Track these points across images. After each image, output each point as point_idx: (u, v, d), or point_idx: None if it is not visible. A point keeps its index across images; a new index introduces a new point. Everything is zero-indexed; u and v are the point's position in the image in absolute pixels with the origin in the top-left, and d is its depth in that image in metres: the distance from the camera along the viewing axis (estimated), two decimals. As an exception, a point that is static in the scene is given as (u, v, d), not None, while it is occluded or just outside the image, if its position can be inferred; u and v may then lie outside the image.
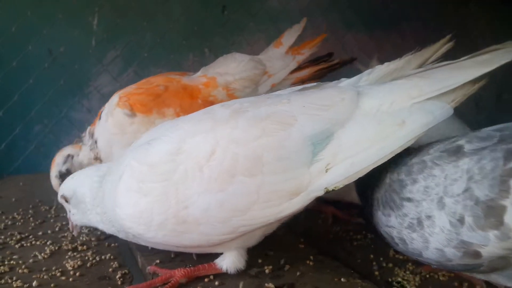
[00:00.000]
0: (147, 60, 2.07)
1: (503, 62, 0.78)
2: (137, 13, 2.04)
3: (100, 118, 1.35)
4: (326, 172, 0.80)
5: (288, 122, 0.82)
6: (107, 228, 0.97)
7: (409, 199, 0.81)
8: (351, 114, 0.82)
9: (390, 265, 1.03)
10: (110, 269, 1.00)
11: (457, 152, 0.77)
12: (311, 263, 0.99)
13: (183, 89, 1.32)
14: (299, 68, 1.47)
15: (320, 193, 0.81)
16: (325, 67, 1.49)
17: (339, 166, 0.80)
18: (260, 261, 0.99)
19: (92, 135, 1.37)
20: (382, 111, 0.81)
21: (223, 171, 0.80)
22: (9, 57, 1.90)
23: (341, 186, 0.81)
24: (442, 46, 0.86)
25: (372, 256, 1.08)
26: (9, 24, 1.89)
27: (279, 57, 1.46)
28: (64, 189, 1.03)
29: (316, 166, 0.80)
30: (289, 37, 1.49)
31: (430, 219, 0.77)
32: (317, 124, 0.81)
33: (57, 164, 1.39)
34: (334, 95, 0.85)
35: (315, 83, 0.95)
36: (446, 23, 2.43)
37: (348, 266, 1.02)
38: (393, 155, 0.80)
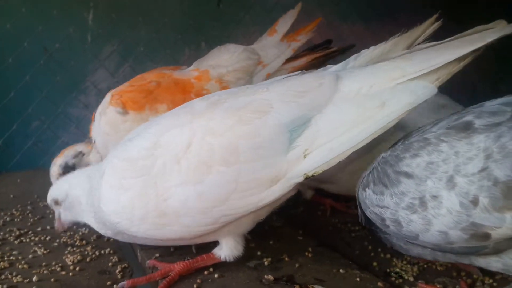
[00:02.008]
0: (143, 55, 2.06)
1: (488, 40, 0.76)
2: (132, 8, 2.03)
3: (94, 120, 1.35)
4: (305, 158, 0.80)
5: (263, 110, 0.82)
6: (100, 228, 0.95)
7: (407, 174, 0.75)
8: (330, 99, 0.81)
9: (388, 256, 1.03)
10: (110, 264, 1.01)
11: (467, 129, 0.73)
12: (310, 255, 1.00)
13: (175, 84, 1.31)
14: (295, 57, 1.44)
15: (300, 179, 0.81)
16: (323, 55, 1.46)
17: (318, 151, 0.79)
18: (259, 253, 0.99)
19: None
20: (361, 93, 0.80)
21: (200, 162, 0.81)
22: (4, 54, 1.89)
23: (321, 171, 0.80)
24: (429, 26, 0.85)
25: (370, 247, 1.09)
26: (4, 21, 1.88)
27: (273, 45, 1.42)
28: (56, 193, 1.02)
29: (293, 152, 0.80)
30: (284, 24, 1.46)
31: (437, 199, 0.71)
32: (293, 110, 0.81)
33: (66, 155, 1.38)
34: (312, 80, 0.85)
35: (298, 72, 0.94)
36: (443, 11, 2.42)
37: (346, 257, 1.02)
38: (373, 137, 0.79)
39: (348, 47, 1.50)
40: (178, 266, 0.89)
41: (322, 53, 1.46)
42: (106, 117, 1.28)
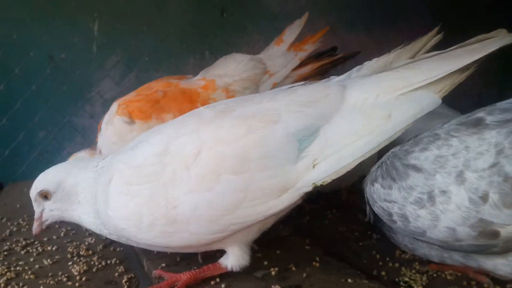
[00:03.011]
0: (147, 64, 2.07)
1: (490, 50, 0.77)
2: (137, 18, 2.05)
3: (100, 129, 1.35)
4: (314, 168, 0.80)
5: (272, 119, 0.83)
6: (96, 227, 0.92)
7: (415, 168, 0.74)
8: (337, 109, 0.82)
9: (397, 265, 1.02)
10: (116, 274, 1.00)
11: (478, 124, 0.72)
12: (317, 264, 0.99)
13: (181, 94, 1.32)
14: (300, 64, 1.44)
15: (309, 188, 0.82)
16: (328, 62, 1.46)
17: (327, 161, 0.80)
18: (266, 263, 0.99)
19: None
20: (368, 104, 0.81)
21: (210, 170, 0.81)
22: (11, 64, 1.90)
23: (330, 180, 0.81)
24: (431, 39, 0.86)
25: (378, 256, 1.07)
26: (10, 32, 1.89)
27: (280, 55, 1.43)
28: (45, 182, 0.94)
29: (302, 162, 0.81)
30: (291, 33, 1.46)
31: (445, 194, 0.70)
32: (301, 120, 0.82)
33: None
34: (318, 91, 0.86)
35: (303, 82, 0.95)
36: (447, 21, 2.43)
37: (354, 266, 1.01)
38: (380, 147, 0.80)
39: (352, 54, 1.49)
40: (184, 276, 0.89)
41: (327, 60, 1.46)
42: (112, 126, 1.29)
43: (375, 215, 0.84)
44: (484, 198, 0.67)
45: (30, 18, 1.91)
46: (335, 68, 1.49)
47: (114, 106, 1.32)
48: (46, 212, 0.95)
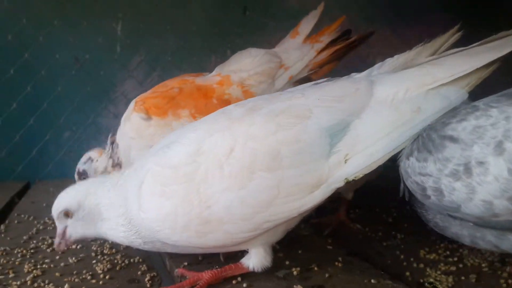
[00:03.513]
0: (170, 63, 2.09)
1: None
2: (159, 18, 2.06)
3: (120, 124, 1.38)
4: (345, 163, 0.81)
5: (303, 115, 0.83)
6: (127, 239, 0.91)
7: (452, 138, 0.72)
8: (367, 104, 0.83)
9: (422, 265, 1.00)
10: (139, 272, 1.01)
11: None
12: (339, 264, 0.98)
13: (197, 90, 1.32)
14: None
15: (341, 184, 0.82)
16: (343, 46, 1.41)
17: (358, 156, 0.81)
18: (287, 262, 0.98)
19: (112, 142, 1.39)
20: (398, 98, 0.83)
21: (243, 167, 0.81)
22: (37, 66, 1.95)
23: (361, 175, 0.82)
24: (451, 37, 0.88)
25: (402, 256, 1.06)
26: (37, 33, 1.94)
27: (296, 47, 1.41)
28: (67, 203, 0.94)
29: (334, 157, 0.81)
30: (306, 25, 1.44)
31: (483, 165, 0.68)
32: (332, 115, 0.83)
33: (80, 162, 1.42)
34: (348, 86, 0.87)
35: (325, 79, 0.95)
36: (470, 11, 2.36)
37: (378, 267, 1.00)
38: (410, 142, 0.82)
39: (368, 35, 1.44)
40: (206, 275, 0.89)
41: (342, 44, 1.42)
42: (130, 122, 1.31)
43: (409, 192, 0.82)
44: None
45: (57, 20, 1.95)
46: (357, 67, 1.46)
47: (132, 103, 1.33)
48: (69, 229, 0.95)
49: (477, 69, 0.81)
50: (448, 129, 0.73)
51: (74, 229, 0.95)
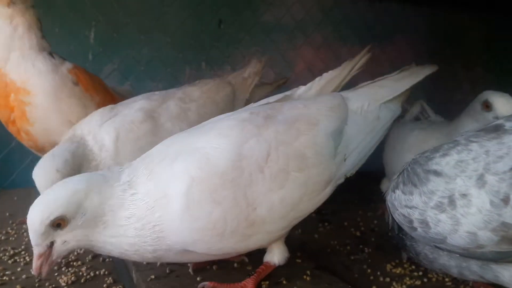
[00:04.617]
0: (143, 73, 2.07)
1: (426, 74, 1.10)
2: (134, 27, 2.05)
3: None
4: (345, 161, 0.95)
5: (313, 122, 0.94)
6: (136, 245, 0.81)
7: (436, 172, 0.75)
8: (347, 114, 0.99)
9: (388, 279, 1.02)
10: (105, 285, 0.99)
11: (497, 130, 0.73)
12: (308, 278, 0.98)
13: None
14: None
15: (342, 180, 0.97)
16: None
17: (352, 156, 0.97)
18: (256, 276, 0.98)
19: None
20: (364, 110, 1.01)
21: (280, 169, 0.87)
22: (5, 71, 1.89)
23: (354, 172, 0.99)
24: (364, 56, 1.12)
25: (369, 270, 1.07)
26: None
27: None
28: (60, 208, 0.76)
29: (338, 157, 0.94)
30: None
31: (466, 198, 0.70)
32: (333, 122, 0.96)
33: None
34: (333, 99, 1.01)
35: (282, 94, 1.07)
36: (439, 34, 2.46)
37: (345, 280, 1.01)
38: (378, 143, 1.03)
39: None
40: (249, 284, 0.92)
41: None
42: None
43: (398, 225, 0.84)
44: (506, 200, 0.67)
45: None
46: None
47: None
48: (58, 245, 0.79)
49: (406, 90, 1.07)
50: (432, 163, 0.76)
51: (63, 245, 0.79)
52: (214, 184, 0.83)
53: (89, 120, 1.25)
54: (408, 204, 0.78)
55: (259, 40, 2.20)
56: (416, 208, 0.77)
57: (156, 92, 1.38)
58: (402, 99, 1.08)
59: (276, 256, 0.95)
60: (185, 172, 0.83)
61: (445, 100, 2.12)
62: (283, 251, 0.96)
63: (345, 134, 0.96)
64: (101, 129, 1.21)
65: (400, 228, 0.85)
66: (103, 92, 1.47)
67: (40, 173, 1.13)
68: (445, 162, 0.75)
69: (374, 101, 1.03)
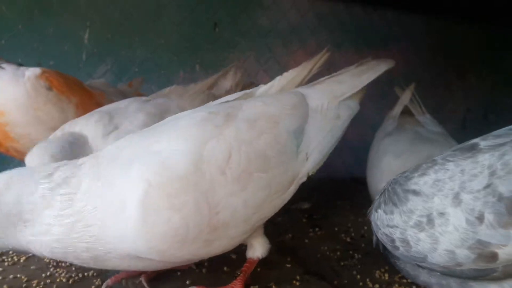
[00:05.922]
0: (137, 75, 2.06)
1: (384, 70, 1.11)
2: (129, 29, 2.05)
3: None
4: (307, 160, 0.94)
5: (275, 120, 0.91)
6: (58, 250, 0.76)
7: (415, 192, 0.76)
8: (308, 112, 0.98)
9: (377, 286, 1.02)
10: (93, 286, 0.98)
11: (472, 149, 0.74)
12: (297, 283, 0.98)
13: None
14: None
15: (305, 179, 0.95)
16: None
17: (313, 154, 0.95)
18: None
19: None
20: (324, 108, 1.00)
21: (242, 170, 0.83)
22: (-2, 69, 1.88)
23: (315, 170, 0.97)
24: (323, 56, 1.12)
25: (359, 276, 1.07)
26: (0, 36, 1.88)
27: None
28: None
29: (300, 156, 0.93)
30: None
31: (444, 216, 0.72)
32: (294, 121, 0.94)
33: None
34: (294, 97, 1.00)
35: (242, 92, 1.05)
36: (433, 43, 2.48)
37: (334, 286, 1.01)
38: (338, 141, 1.02)
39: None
40: (237, 285, 0.91)
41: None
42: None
43: (382, 244, 0.86)
44: (480, 218, 0.69)
45: (22, 24, 1.90)
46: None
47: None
48: None
49: (364, 87, 1.07)
50: (411, 183, 0.78)
51: None
52: (173, 189, 0.77)
53: (87, 122, 1.19)
54: (389, 224, 0.80)
55: (254, 44, 2.21)
56: (397, 227, 0.78)
57: (149, 99, 1.35)
58: (360, 96, 1.08)
59: (257, 250, 0.95)
60: (141, 176, 0.76)
61: (437, 109, 2.14)
62: (263, 243, 0.95)
63: (306, 133, 0.95)
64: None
65: (384, 247, 0.86)
66: (80, 91, 1.42)
67: (34, 158, 1.06)
68: (423, 182, 0.76)
69: (334, 99, 1.03)
